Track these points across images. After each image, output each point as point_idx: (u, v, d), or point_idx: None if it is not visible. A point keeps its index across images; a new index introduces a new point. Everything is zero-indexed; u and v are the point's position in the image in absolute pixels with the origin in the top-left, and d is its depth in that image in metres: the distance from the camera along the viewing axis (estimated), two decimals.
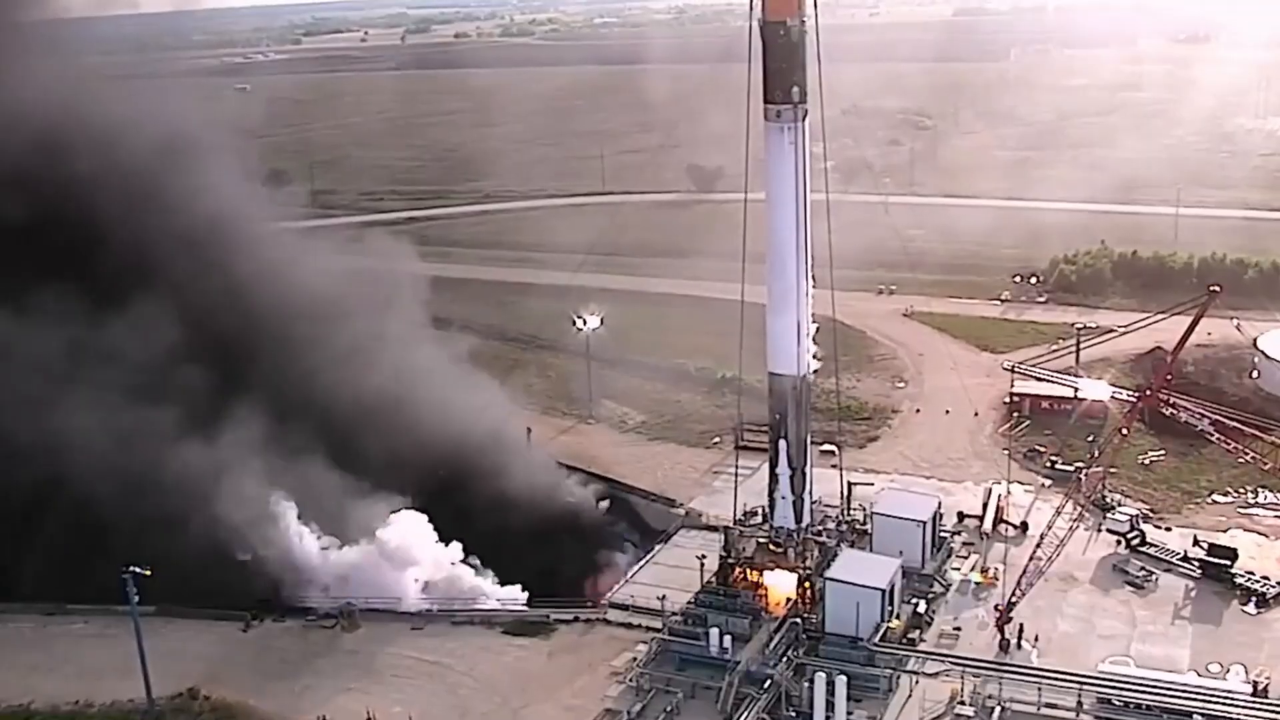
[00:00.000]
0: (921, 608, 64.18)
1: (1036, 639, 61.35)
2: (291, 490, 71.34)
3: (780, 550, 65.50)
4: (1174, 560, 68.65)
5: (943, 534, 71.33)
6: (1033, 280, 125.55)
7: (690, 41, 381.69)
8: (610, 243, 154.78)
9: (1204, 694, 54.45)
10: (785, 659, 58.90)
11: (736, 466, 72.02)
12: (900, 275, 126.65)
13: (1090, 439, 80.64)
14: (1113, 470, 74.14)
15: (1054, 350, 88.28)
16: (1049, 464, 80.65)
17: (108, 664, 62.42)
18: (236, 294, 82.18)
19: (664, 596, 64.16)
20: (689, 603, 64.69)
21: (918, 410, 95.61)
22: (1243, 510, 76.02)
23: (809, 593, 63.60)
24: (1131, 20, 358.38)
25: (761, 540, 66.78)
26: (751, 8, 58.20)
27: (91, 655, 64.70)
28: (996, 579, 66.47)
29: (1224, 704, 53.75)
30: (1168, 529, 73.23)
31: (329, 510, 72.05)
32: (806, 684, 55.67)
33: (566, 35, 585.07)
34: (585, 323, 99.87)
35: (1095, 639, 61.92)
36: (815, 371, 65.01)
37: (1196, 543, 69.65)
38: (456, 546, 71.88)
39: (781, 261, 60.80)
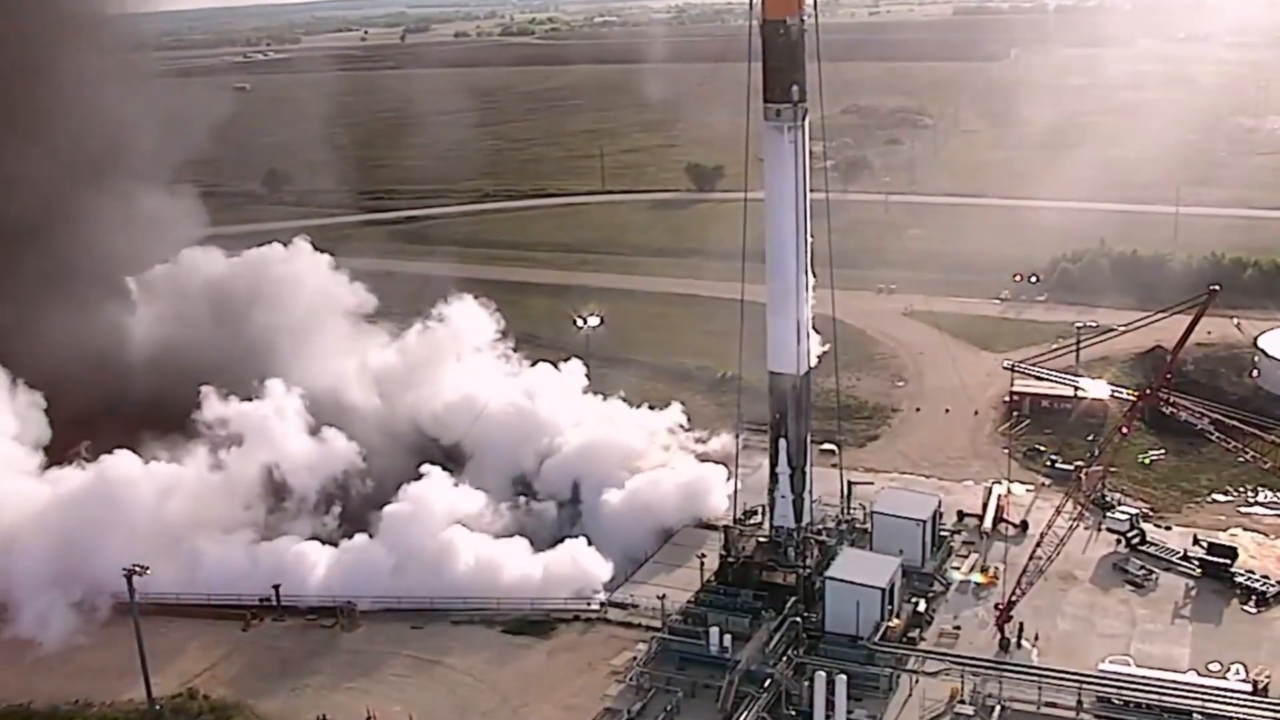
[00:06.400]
0: (921, 607, 64.22)
1: (1036, 638, 61.33)
2: None
3: (779, 549, 65.50)
4: (1174, 559, 68.62)
5: (943, 533, 71.37)
6: (1032, 279, 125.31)
7: (690, 41, 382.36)
8: (610, 241, 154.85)
9: (1204, 693, 54.45)
10: (785, 658, 58.89)
11: (736, 465, 72.01)
12: (900, 274, 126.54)
13: (1090, 438, 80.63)
14: (1112, 469, 74.02)
15: (1054, 349, 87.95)
16: (1049, 463, 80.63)
17: (108, 664, 62.49)
18: None
19: (664, 596, 64.27)
20: (689, 602, 64.74)
21: (917, 409, 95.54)
22: (1242, 509, 76.06)
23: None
24: (1131, 20, 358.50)
25: (762, 539, 66.79)
26: (751, 7, 58.20)
27: (91, 655, 64.65)
28: (996, 578, 66.43)
29: (1224, 703, 53.75)
30: (1168, 528, 73.25)
31: None
32: (806, 683, 55.70)
33: (566, 35, 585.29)
34: (585, 321, 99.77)
35: (1095, 638, 61.92)
36: (818, 357, 64.75)
37: (1196, 542, 69.68)
38: None
39: (781, 260, 60.78)
